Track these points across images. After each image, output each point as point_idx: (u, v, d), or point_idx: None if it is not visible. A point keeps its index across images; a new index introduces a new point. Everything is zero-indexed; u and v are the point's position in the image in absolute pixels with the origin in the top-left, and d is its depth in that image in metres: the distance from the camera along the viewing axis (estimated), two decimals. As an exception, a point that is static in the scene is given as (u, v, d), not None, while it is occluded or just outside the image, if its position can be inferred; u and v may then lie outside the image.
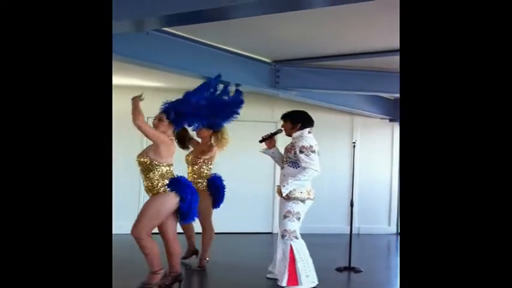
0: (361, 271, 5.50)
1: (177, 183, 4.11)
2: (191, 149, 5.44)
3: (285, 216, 4.47)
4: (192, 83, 4.72)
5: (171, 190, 4.07)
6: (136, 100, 4.00)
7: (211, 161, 5.37)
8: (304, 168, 4.39)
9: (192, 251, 5.68)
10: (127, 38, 4.15)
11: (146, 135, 4.08)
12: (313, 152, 4.42)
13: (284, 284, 4.41)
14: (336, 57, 5.44)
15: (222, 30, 4.49)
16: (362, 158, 7.99)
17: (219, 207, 5.44)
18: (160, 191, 4.08)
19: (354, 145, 6.07)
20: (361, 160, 7.98)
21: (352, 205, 5.88)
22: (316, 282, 4.48)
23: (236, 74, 5.54)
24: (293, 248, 4.41)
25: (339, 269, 5.52)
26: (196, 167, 5.31)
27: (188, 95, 4.38)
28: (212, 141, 5.38)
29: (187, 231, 5.58)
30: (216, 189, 5.33)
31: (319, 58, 5.57)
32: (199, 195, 4.45)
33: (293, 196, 4.43)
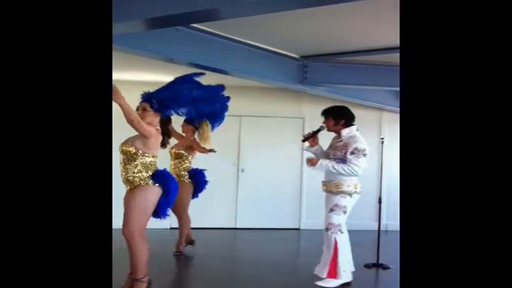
0: (390, 268, 5.46)
1: (161, 176, 3.95)
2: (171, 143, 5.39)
3: (331, 210, 4.48)
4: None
5: (155, 183, 3.89)
6: (119, 96, 3.57)
7: (193, 156, 5.74)
8: (348, 165, 4.39)
9: (188, 241, 5.89)
10: (153, 34, 4.19)
11: (138, 130, 3.79)
12: (364, 155, 4.41)
13: (324, 275, 4.44)
14: (363, 53, 5.41)
15: (250, 26, 4.50)
16: (390, 154, 7.90)
17: (197, 197, 5.82)
18: (139, 183, 3.86)
19: (382, 141, 6.00)
20: (389, 156, 7.90)
21: (380, 202, 5.84)
22: (351, 279, 4.49)
23: (264, 69, 5.55)
24: (337, 241, 4.44)
25: (368, 266, 5.49)
26: (179, 159, 5.64)
27: (168, 83, 4.19)
28: (196, 136, 5.52)
29: (182, 228, 5.80)
30: (199, 180, 5.73)
31: (347, 53, 5.53)
32: (181, 187, 4.62)
33: (340, 190, 4.45)
